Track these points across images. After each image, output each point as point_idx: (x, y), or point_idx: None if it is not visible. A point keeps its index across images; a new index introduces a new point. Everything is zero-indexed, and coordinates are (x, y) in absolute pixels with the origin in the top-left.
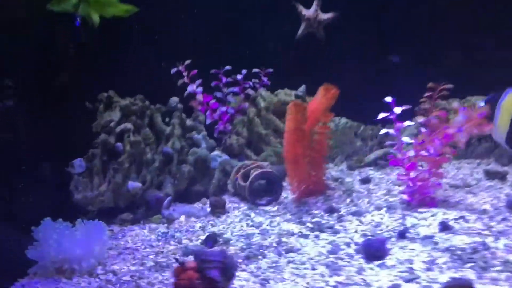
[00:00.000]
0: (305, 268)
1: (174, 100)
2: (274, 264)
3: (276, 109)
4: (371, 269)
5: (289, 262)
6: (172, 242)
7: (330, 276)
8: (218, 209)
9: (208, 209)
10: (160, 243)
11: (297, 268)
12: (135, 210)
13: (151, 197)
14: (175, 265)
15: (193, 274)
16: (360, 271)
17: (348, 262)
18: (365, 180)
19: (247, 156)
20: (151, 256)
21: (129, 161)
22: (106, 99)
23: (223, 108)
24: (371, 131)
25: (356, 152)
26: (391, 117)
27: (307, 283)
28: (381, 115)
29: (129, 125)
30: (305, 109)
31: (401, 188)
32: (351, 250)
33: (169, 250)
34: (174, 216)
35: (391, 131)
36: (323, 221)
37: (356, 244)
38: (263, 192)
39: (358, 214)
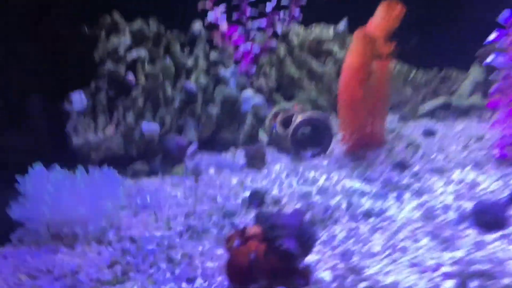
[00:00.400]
0: (401, 240)
1: (197, 27)
2: (353, 232)
3: (310, 48)
4: (491, 241)
5: (373, 229)
6: (205, 200)
7: (442, 251)
8: (257, 161)
9: (242, 161)
10: (190, 201)
11: (387, 239)
12: (151, 159)
13: (172, 143)
14: (228, 231)
15: (257, 245)
16: (479, 244)
17: (456, 231)
18: (429, 133)
19: (275, 103)
20: (180, 219)
21: (143, 97)
22: (110, 23)
23: (247, 45)
24: (424, 77)
25: (404, 102)
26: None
27: (412, 259)
28: (493, 36)
29: (143, 52)
30: (376, 42)
31: (479, 143)
32: (451, 215)
33: (204, 211)
34: (202, 167)
35: (500, 59)
36: (395, 179)
37: (458, 208)
38: (308, 142)
39: (439, 171)
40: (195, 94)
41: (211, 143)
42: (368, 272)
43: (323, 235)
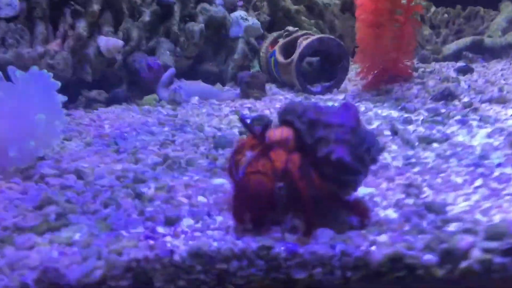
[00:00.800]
0: (489, 168)
1: None
2: (413, 160)
3: None
4: None
5: (443, 157)
6: (187, 130)
7: None
8: (255, 90)
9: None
10: (166, 129)
11: (469, 168)
12: (111, 85)
13: (141, 64)
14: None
15: (285, 157)
16: None
17: None
18: (465, 70)
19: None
20: (153, 149)
21: (100, 2)
22: None
23: None
24: (446, 15)
25: (421, 43)
26: None
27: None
28: None
29: None
30: None
31: None
32: None
33: (186, 140)
34: (182, 95)
35: None
36: (443, 110)
37: None
38: (315, 74)
39: (498, 102)
40: (172, 4)
41: (191, 76)
42: (454, 210)
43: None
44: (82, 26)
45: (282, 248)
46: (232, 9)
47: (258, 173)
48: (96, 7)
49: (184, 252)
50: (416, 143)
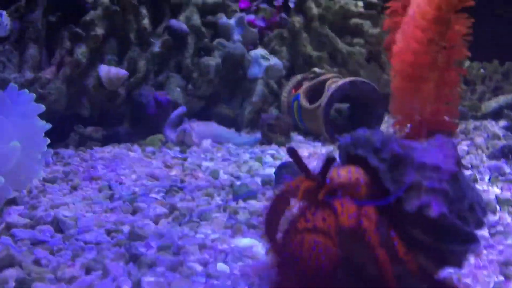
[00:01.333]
0: None
1: None
2: (501, 228)
3: (335, 22)
4: None
5: None
6: (200, 173)
7: None
8: (278, 134)
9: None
10: (174, 173)
11: None
12: (110, 122)
13: (148, 97)
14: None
15: (353, 206)
16: None
17: None
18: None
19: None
20: (155, 194)
21: (104, 25)
22: None
23: (250, 17)
24: (483, 70)
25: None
26: None
27: None
28: None
29: None
30: None
31: None
32: None
33: (198, 188)
34: (192, 136)
35: None
36: (507, 170)
37: None
38: (344, 123)
39: None
40: (185, 35)
41: (203, 119)
42: None
43: None
44: (81, 52)
45: None
46: (252, 45)
47: (316, 231)
48: (99, 31)
49: None
50: (497, 207)
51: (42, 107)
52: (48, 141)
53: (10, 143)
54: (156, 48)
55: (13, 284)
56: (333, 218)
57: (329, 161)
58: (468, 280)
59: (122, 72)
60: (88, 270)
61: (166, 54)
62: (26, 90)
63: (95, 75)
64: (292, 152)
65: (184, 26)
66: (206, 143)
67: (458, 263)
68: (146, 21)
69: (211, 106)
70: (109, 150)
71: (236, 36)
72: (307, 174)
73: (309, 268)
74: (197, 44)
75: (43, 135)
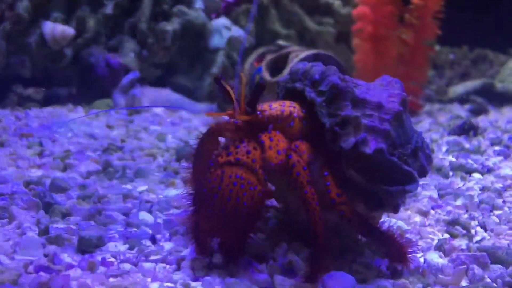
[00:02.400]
0: None
1: None
2: (450, 190)
3: (305, 0)
4: None
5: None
6: (145, 137)
7: None
8: None
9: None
10: (115, 133)
11: None
12: (55, 85)
13: (97, 58)
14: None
15: (284, 141)
16: None
17: None
18: (478, 111)
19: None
20: (91, 153)
21: None
22: None
23: None
24: (452, 56)
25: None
26: None
27: None
28: None
29: None
30: None
31: None
32: None
33: (140, 149)
34: (142, 101)
35: None
36: (467, 145)
37: None
38: None
39: None
40: None
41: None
42: None
43: None
44: (23, 6)
45: None
46: (214, 12)
47: (238, 165)
48: None
49: None
50: (450, 172)
51: None
52: None
53: None
54: (109, 9)
55: None
56: (259, 152)
57: (258, 89)
58: (412, 237)
59: (68, 30)
60: None
61: (119, 17)
62: None
63: (38, 33)
64: (219, 82)
65: None
66: (157, 110)
67: (394, 207)
68: None
69: (168, 76)
70: (49, 111)
71: (198, 4)
72: (237, 106)
73: (228, 206)
74: (156, 8)
75: None
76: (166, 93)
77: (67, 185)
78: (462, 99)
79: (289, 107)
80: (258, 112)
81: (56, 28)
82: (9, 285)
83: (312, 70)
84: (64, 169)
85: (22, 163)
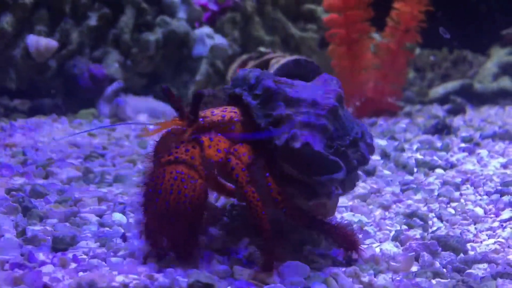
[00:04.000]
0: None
1: None
2: (413, 185)
3: (288, 7)
4: None
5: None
6: (126, 145)
7: None
8: None
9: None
10: (96, 141)
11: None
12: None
13: (81, 68)
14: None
15: (224, 143)
16: None
17: None
18: (455, 111)
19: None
20: (73, 160)
21: None
22: None
23: (203, 0)
24: (433, 57)
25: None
26: None
27: None
28: None
29: None
30: None
31: None
32: None
33: (120, 156)
34: (126, 110)
35: None
36: (439, 143)
37: None
38: None
39: (503, 138)
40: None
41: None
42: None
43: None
44: (7, 21)
45: None
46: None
47: (178, 162)
48: (27, 0)
49: None
50: (415, 169)
51: None
52: None
53: None
54: (93, 21)
55: None
56: (198, 150)
57: (196, 98)
58: (371, 229)
59: (52, 43)
60: None
61: (103, 28)
62: None
63: (22, 46)
64: (167, 92)
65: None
66: (142, 117)
67: (327, 195)
68: None
69: (153, 84)
70: (33, 122)
71: (181, 14)
72: (181, 114)
73: (171, 199)
74: (139, 19)
75: None
76: (149, 101)
77: (46, 191)
78: (442, 100)
79: (230, 112)
80: (201, 119)
81: (40, 41)
82: None
83: (249, 76)
84: (46, 177)
85: (5, 172)
